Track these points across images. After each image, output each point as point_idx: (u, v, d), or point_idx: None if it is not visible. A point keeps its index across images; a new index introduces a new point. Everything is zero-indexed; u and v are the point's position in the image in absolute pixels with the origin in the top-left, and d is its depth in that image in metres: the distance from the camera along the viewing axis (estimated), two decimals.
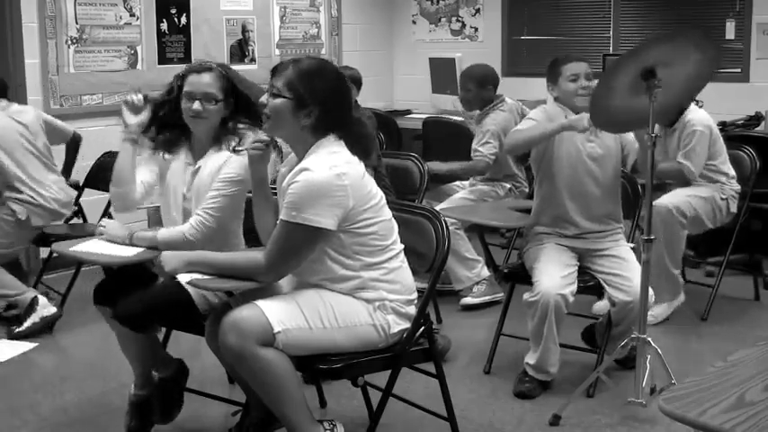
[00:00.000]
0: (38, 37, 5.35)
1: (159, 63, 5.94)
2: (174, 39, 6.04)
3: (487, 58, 6.04)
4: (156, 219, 4.37)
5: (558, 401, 3.45)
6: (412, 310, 2.77)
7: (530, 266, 3.68)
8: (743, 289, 4.91)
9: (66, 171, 4.94)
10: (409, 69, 7.53)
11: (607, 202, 3.73)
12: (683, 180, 4.38)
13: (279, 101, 2.66)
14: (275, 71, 2.71)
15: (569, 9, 6.81)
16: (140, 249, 3.05)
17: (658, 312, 4.41)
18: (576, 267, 3.63)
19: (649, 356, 3.28)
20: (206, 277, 2.69)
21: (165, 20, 5.97)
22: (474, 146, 4.88)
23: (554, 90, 3.75)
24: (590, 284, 3.65)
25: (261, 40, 6.61)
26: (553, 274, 3.51)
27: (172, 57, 6.02)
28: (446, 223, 2.94)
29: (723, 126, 5.41)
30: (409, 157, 4.48)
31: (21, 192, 4.46)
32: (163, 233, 3.06)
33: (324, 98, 2.66)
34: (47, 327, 4.44)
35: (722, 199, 4.45)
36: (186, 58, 6.08)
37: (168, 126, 3.15)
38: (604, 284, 3.61)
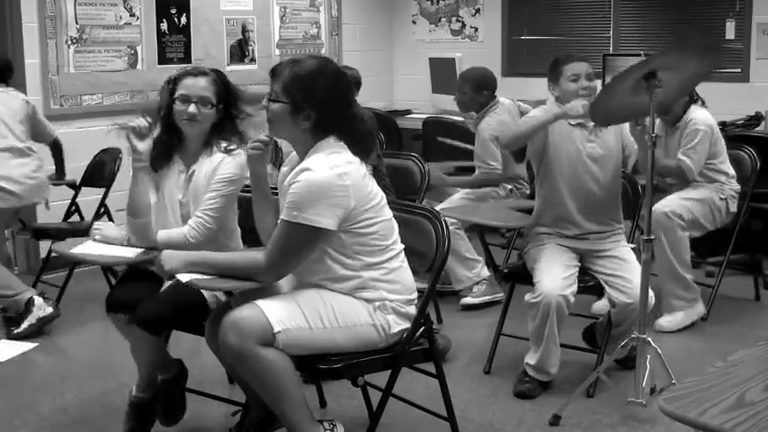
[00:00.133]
0: (38, 37, 5.35)
1: (159, 63, 5.94)
2: (174, 39, 6.04)
3: (487, 58, 6.05)
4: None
5: (558, 401, 3.45)
6: (412, 310, 2.77)
7: (531, 267, 3.68)
8: (743, 289, 4.91)
9: (59, 172, 4.94)
10: (409, 69, 7.53)
11: (608, 203, 3.73)
12: (683, 178, 4.37)
13: (277, 105, 2.68)
14: (273, 74, 2.72)
15: (569, 9, 6.81)
16: (139, 250, 3.06)
17: (675, 321, 4.37)
18: (578, 268, 3.63)
19: (649, 356, 3.28)
20: (206, 277, 2.69)
21: (165, 20, 5.97)
22: (478, 161, 4.88)
23: (555, 90, 3.75)
24: (590, 285, 3.65)
25: (261, 40, 6.61)
26: (555, 275, 3.51)
27: (172, 57, 6.02)
28: (446, 223, 2.94)
29: (723, 126, 5.41)
30: (409, 157, 4.48)
31: None
32: (162, 235, 3.06)
33: (322, 100, 2.65)
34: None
35: (721, 199, 4.44)
36: (186, 58, 6.08)
37: (161, 137, 3.13)
38: (605, 285, 3.61)
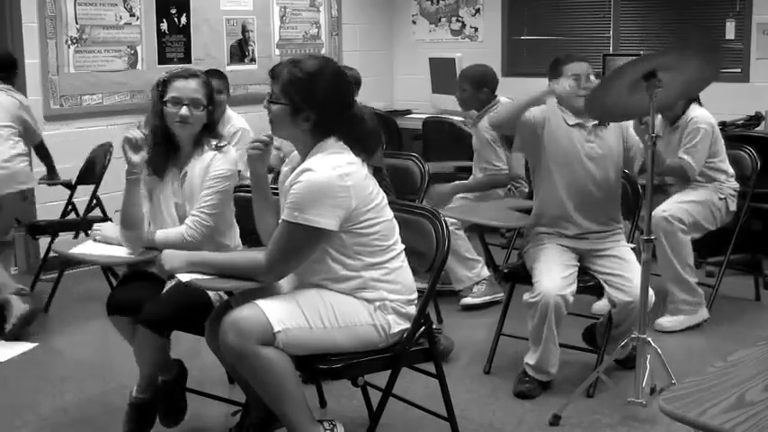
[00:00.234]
0: (38, 37, 5.35)
1: (159, 63, 5.94)
2: (174, 39, 6.04)
3: (487, 58, 6.04)
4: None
5: (558, 401, 3.45)
6: (412, 310, 2.77)
7: (530, 267, 3.67)
8: (743, 289, 4.91)
9: (51, 173, 4.95)
10: (409, 69, 7.53)
11: (607, 203, 3.73)
12: (684, 177, 4.37)
13: (276, 107, 2.69)
14: (273, 75, 2.72)
15: (569, 9, 6.81)
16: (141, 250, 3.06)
17: (676, 322, 4.37)
18: (577, 268, 3.63)
19: (649, 356, 3.28)
20: (206, 277, 2.70)
21: (165, 20, 5.98)
22: (483, 163, 4.87)
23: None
24: (590, 285, 3.65)
25: (261, 40, 6.61)
26: (553, 274, 3.51)
27: (172, 57, 6.02)
28: (446, 223, 2.94)
29: (723, 126, 5.41)
30: (409, 157, 4.48)
31: None
32: (160, 235, 3.07)
33: (321, 100, 2.65)
34: (27, 324, 4.41)
35: (720, 199, 4.44)
36: (186, 58, 6.08)
37: (156, 141, 3.12)
38: (605, 285, 3.61)
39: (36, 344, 4.31)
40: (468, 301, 4.76)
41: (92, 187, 4.96)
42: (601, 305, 4.39)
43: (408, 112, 7.18)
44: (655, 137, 3.17)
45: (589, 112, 3.45)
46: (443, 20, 7.41)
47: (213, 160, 3.09)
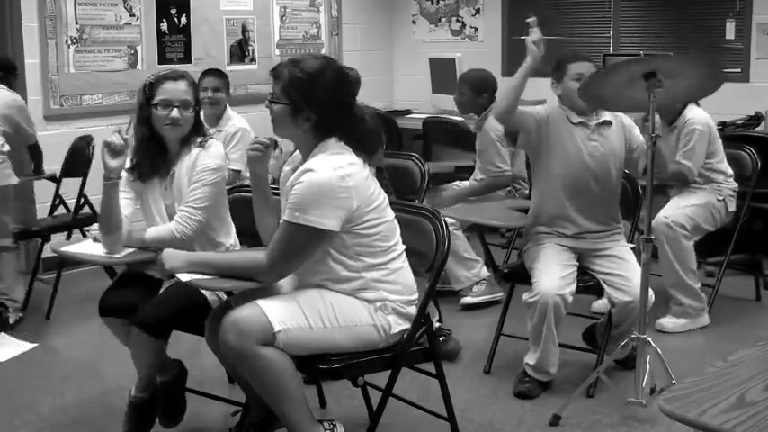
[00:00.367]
0: (38, 37, 5.35)
1: (159, 63, 5.94)
2: (174, 39, 6.04)
3: (487, 58, 6.05)
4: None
5: (558, 401, 3.45)
6: (413, 310, 2.77)
7: (529, 266, 3.67)
8: (744, 289, 4.91)
9: (37, 169, 4.92)
10: (409, 69, 7.53)
11: (607, 202, 3.73)
12: (684, 181, 4.37)
13: (277, 107, 2.69)
14: (274, 75, 2.72)
15: (569, 9, 6.81)
16: (134, 249, 3.07)
17: (678, 324, 4.37)
18: (576, 267, 3.63)
19: (649, 356, 3.28)
20: (206, 277, 2.70)
21: (165, 20, 5.98)
22: (487, 165, 4.87)
23: (557, 88, 3.74)
24: (589, 284, 3.65)
25: (261, 40, 6.61)
26: (552, 274, 3.51)
27: (172, 57, 6.03)
28: (446, 223, 2.94)
29: (723, 126, 5.41)
30: (409, 157, 4.48)
31: None
32: (150, 232, 3.09)
33: (321, 101, 2.65)
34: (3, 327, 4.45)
35: (719, 200, 4.44)
36: (186, 58, 6.08)
37: (144, 145, 3.11)
38: (604, 285, 3.61)
39: (36, 344, 4.31)
40: (467, 300, 4.76)
41: (77, 181, 4.92)
42: (600, 304, 4.40)
43: (408, 112, 7.17)
44: (655, 137, 3.17)
45: (582, 97, 3.45)
46: (443, 20, 7.41)
47: (198, 156, 3.09)
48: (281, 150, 2.89)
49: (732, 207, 4.49)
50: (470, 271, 4.75)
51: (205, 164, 3.08)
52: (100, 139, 3.21)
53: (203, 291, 2.95)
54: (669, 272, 4.34)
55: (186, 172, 3.10)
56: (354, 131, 2.73)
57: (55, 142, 5.16)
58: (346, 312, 2.66)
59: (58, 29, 5.42)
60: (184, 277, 2.70)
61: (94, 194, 4.72)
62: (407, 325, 2.75)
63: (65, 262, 4.59)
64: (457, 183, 5.20)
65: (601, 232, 3.72)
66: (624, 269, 3.59)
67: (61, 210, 5.13)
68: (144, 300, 3.02)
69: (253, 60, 6.57)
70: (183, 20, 6.09)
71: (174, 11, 6.03)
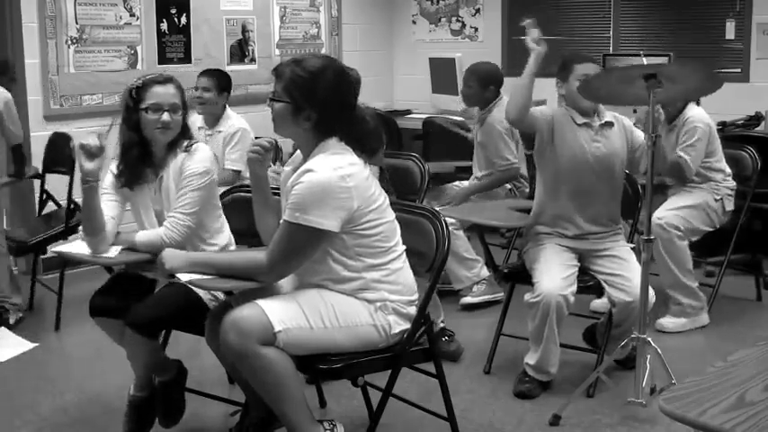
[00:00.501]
0: (38, 37, 5.35)
1: (159, 63, 5.94)
2: (174, 39, 6.04)
3: (487, 58, 6.02)
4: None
5: (558, 401, 3.45)
6: (413, 310, 2.77)
7: (530, 267, 3.67)
8: (744, 289, 4.91)
9: (18, 173, 4.83)
10: (409, 69, 7.53)
11: (609, 203, 3.73)
12: (681, 175, 4.35)
13: (278, 105, 2.69)
14: (276, 73, 2.72)
15: (569, 9, 6.81)
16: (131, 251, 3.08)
17: (678, 323, 4.37)
18: (577, 268, 3.63)
19: (649, 356, 3.28)
20: (206, 277, 2.70)
21: (165, 20, 5.98)
22: (495, 158, 4.87)
23: (562, 88, 3.73)
24: (590, 285, 3.65)
25: (261, 40, 6.61)
26: (554, 275, 3.51)
27: (172, 57, 6.03)
28: (446, 223, 2.94)
29: (723, 126, 5.41)
30: (409, 157, 4.48)
31: None
32: (141, 236, 3.09)
33: (322, 100, 2.65)
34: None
35: (716, 200, 4.43)
36: (186, 58, 6.09)
37: (131, 152, 3.10)
38: (605, 285, 3.61)
39: (36, 344, 4.31)
40: (467, 300, 4.76)
41: (60, 178, 4.88)
42: (599, 303, 4.40)
43: (408, 112, 7.18)
44: (655, 137, 3.17)
45: (583, 93, 3.48)
46: (443, 20, 7.41)
47: (184, 161, 3.09)
48: (281, 158, 2.89)
49: (730, 206, 4.49)
50: (471, 271, 4.74)
51: (191, 169, 3.07)
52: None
53: (199, 291, 2.94)
54: (666, 272, 4.34)
55: (174, 177, 3.10)
56: (355, 131, 2.72)
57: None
58: (347, 312, 2.66)
59: (58, 29, 5.42)
60: (184, 277, 2.70)
61: (79, 196, 4.72)
62: (408, 325, 2.75)
63: (66, 263, 4.58)
64: (457, 183, 5.20)
65: (601, 233, 3.72)
66: (625, 269, 3.59)
67: (50, 206, 5.09)
68: (134, 300, 3.03)
69: (253, 60, 6.57)
70: (183, 20, 6.09)
71: (174, 11, 6.03)
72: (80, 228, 3.17)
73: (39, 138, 5.26)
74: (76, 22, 5.51)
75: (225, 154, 5.01)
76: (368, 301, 2.69)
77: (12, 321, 4.51)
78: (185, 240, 3.06)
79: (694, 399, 1.67)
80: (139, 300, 3.03)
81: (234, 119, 5.08)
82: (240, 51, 6.49)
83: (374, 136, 2.79)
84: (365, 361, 2.71)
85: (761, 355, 1.90)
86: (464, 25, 7.30)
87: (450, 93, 6.53)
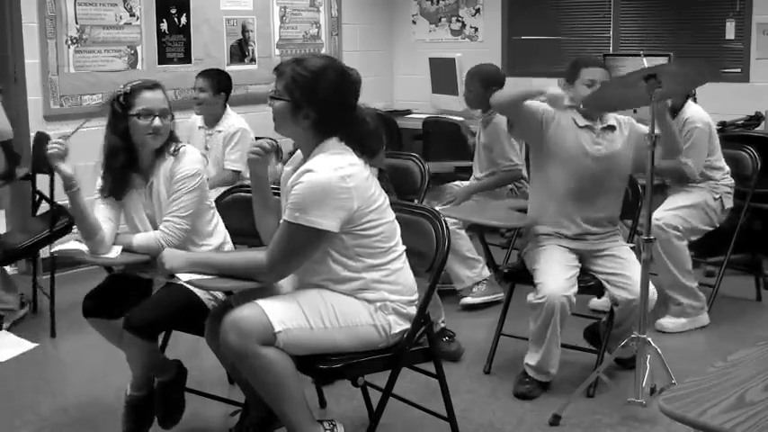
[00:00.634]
0: (38, 37, 5.35)
1: (159, 63, 5.94)
2: (174, 39, 6.04)
3: (487, 58, 6.03)
4: None
5: (558, 401, 3.45)
6: (413, 310, 2.77)
7: (531, 268, 3.67)
8: (744, 289, 4.91)
9: (11, 171, 4.76)
10: (409, 69, 7.53)
11: (609, 205, 3.73)
12: (682, 178, 4.35)
13: (278, 103, 2.69)
14: (278, 72, 2.72)
15: (569, 9, 6.81)
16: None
17: (678, 324, 4.37)
18: (578, 269, 3.62)
19: (649, 356, 3.28)
20: (206, 277, 2.70)
21: (165, 20, 5.97)
22: (499, 159, 4.87)
23: (569, 90, 3.73)
24: (590, 285, 3.65)
25: (261, 40, 6.61)
26: (557, 276, 3.50)
27: (172, 57, 6.03)
28: (446, 223, 2.94)
29: (723, 126, 5.41)
30: (409, 157, 4.48)
31: None
32: (139, 239, 3.10)
33: (322, 99, 2.65)
34: None
35: (715, 199, 4.43)
36: (186, 58, 6.08)
37: (117, 161, 3.10)
38: (606, 284, 3.61)
39: (36, 344, 4.31)
40: (467, 300, 4.76)
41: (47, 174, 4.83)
42: (598, 301, 4.40)
43: (408, 112, 7.18)
44: (655, 137, 3.17)
45: (587, 105, 3.52)
46: (443, 20, 7.41)
47: (173, 165, 3.10)
48: (281, 158, 2.89)
49: (729, 204, 4.49)
50: (472, 270, 4.74)
51: (182, 172, 3.08)
52: (100, 141, 3.20)
53: (198, 291, 2.94)
54: (665, 273, 4.34)
55: (164, 182, 3.10)
56: (355, 132, 2.72)
57: None
58: (347, 313, 2.66)
59: (58, 29, 5.42)
60: (184, 277, 2.70)
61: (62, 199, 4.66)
62: (408, 325, 2.75)
63: (56, 266, 4.55)
64: (457, 183, 5.20)
65: (601, 234, 3.72)
66: (625, 268, 3.59)
67: (45, 206, 5.06)
68: (129, 300, 3.03)
69: (253, 60, 6.57)
70: (183, 20, 6.09)
71: (174, 11, 6.03)
72: (73, 228, 3.18)
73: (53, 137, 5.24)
74: (76, 22, 5.51)
75: (225, 154, 5.02)
76: (368, 301, 2.69)
77: (5, 326, 4.46)
78: (182, 243, 3.06)
79: (694, 399, 1.67)
80: (135, 300, 3.03)
81: (234, 119, 5.09)
82: (240, 51, 6.49)
83: (374, 137, 2.79)
84: (365, 361, 2.71)
85: (761, 355, 1.90)
86: (464, 25, 7.30)
87: (450, 93, 6.53)
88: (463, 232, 4.69)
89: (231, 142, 5.00)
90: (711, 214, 4.43)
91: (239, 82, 6.18)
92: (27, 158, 5.00)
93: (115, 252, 3.09)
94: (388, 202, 2.75)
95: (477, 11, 7.20)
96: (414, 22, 7.57)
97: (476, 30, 7.24)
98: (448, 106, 6.59)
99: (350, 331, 2.66)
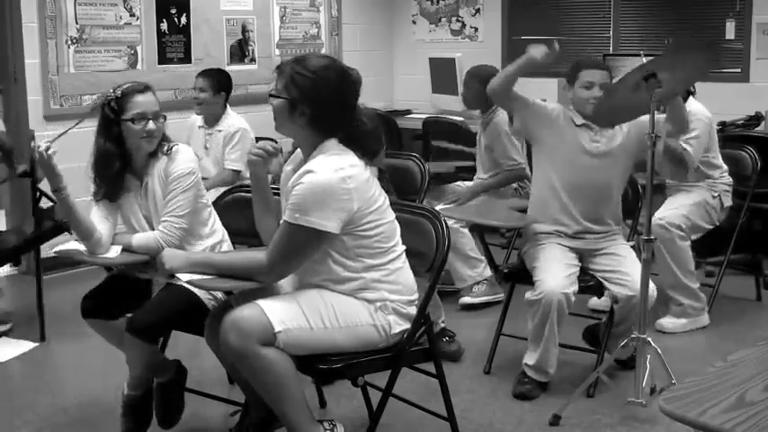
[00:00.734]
0: (38, 37, 5.35)
1: (159, 63, 5.94)
2: (174, 39, 6.04)
3: (487, 58, 6.04)
4: None
5: (557, 401, 3.44)
6: (413, 310, 2.76)
7: (530, 266, 3.67)
8: (744, 289, 4.91)
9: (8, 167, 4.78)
10: (409, 69, 7.53)
11: (608, 203, 3.73)
12: (682, 164, 4.30)
13: (276, 101, 2.69)
14: (279, 70, 2.73)
15: (569, 9, 6.82)
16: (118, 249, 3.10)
17: (678, 324, 4.37)
18: (578, 268, 3.62)
19: (649, 356, 3.28)
20: (206, 277, 2.70)
21: (165, 20, 5.97)
22: (502, 159, 4.86)
23: (569, 92, 3.73)
24: (590, 284, 3.65)
25: (261, 40, 6.61)
26: (556, 273, 3.51)
27: (172, 57, 6.03)
28: (446, 223, 2.94)
29: (723, 126, 5.41)
30: (409, 157, 4.48)
31: None
32: (138, 238, 3.10)
33: (320, 98, 2.65)
34: None
35: (714, 197, 4.43)
36: (186, 58, 6.08)
37: (112, 165, 3.09)
38: (605, 282, 3.61)
39: (36, 344, 4.31)
40: (467, 300, 4.75)
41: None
42: (597, 301, 4.40)
43: (408, 112, 7.18)
44: (655, 137, 3.17)
45: (597, 122, 3.50)
46: (443, 20, 7.41)
47: (167, 165, 3.10)
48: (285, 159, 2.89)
49: (728, 202, 4.49)
50: (474, 270, 4.73)
51: (177, 171, 3.08)
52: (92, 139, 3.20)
53: (198, 291, 2.95)
54: (667, 273, 4.33)
55: (159, 182, 3.11)
56: (355, 132, 2.72)
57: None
58: (346, 313, 2.66)
59: (58, 29, 5.42)
60: (184, 277, 2.70)
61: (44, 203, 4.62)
62: (407, 325, 2.75)
63: (41, 270, 4.54)
64: (458, 183, 5.20)
65: (600, 233, 3.72)
66: (623, 265, 3.59)
67: (44, 201, 5.05)
68: (128, 301, 3.04)
69: (253, 60, 6.57)
70: (183, 20, 6.09)
71: (174, 11, 6.03)
72: (69, 230, 3.19)
73: (38, 138, 5.24)
74: (76, 22, 5.51)
75: (225, 154, 5.02)
76: (368, 301, 2.69)
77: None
78: (180, 242, 3.06)
79: (694, 399, 1.67)
80: (134, 301, 3.04)
81: (234, 118, 5.09)
82: (240, 51, 6.49)
83: (374, 137, 2.79)
84: (365, 361, 2.71)
85: (761, 355, 1.90)
86: (464, 25, 7.30)
87: (450, 93, 6.53)
88: (467, 231, 4.69)
89: (231, 142, 5.00)
90: (711, 212, 4.44)
91: (239, 82, 6.18)
92: (27, 159, 4.99)
93: (114, 252, 3.10)
94: (388, 202, 2.75)
95: (477, 11, 7.20)
96: (414, 22, 7.57)
97: (476, 30, 7.24)
98: (448, 106, 6.59)
99: (350, 331, 2.66)
